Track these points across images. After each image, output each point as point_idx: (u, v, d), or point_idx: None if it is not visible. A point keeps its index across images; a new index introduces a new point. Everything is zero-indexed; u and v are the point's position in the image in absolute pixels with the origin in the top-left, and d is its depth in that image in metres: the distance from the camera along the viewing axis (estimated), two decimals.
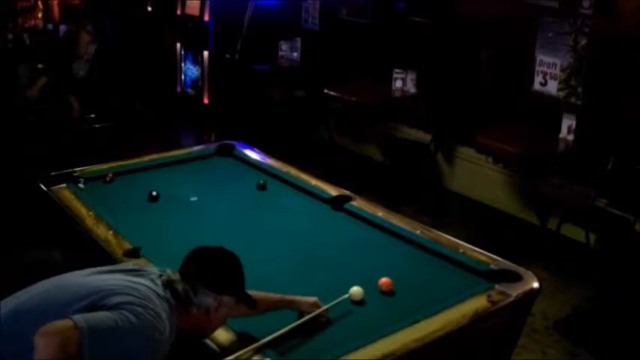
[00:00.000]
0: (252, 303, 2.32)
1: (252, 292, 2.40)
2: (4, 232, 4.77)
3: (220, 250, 2.31)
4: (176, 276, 2.23)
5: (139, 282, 2.13)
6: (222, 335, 2.36)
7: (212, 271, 2.26)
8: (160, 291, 2.14)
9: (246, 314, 2.41)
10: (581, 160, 4.98)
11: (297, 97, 7.53)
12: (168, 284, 2.18)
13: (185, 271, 2.24)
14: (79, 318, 1.90)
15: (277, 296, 2.52)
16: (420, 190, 6.17)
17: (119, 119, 7.34)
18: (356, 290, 2.69)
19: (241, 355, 2.24)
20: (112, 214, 3.32)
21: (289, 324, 2.42)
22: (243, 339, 2.35)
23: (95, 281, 2.11)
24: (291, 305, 2.52)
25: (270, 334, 2.34)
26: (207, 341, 2.33)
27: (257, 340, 2.32)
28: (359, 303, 2.68)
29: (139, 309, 2.00)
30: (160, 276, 2.20)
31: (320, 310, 2.50)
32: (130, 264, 2.55)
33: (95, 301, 2.00)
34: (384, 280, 2.79)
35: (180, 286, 2.19)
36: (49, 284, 2.13)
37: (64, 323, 1.88)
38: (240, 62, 7.41)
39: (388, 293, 2.77)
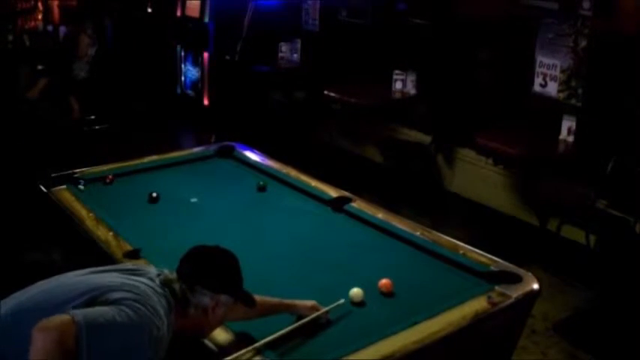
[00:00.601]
0: (250, 302, 2.32)
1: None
2: (4, 233, 4.77)
3: (217, 249, 2.31)
4: (173, 275, 2.23)
5: (137, 280, 2.14)
6: (222, 336, 2.37)
7: (209, 270, 2.26)
8: (158, 289, 2.14)
9: (245, 317, 2.41)
10: (582, 162, 4.98)
11: (297, 99, 7.53)
12: (165, 284, 2.18)
13: (182, 271, 2.24)
14: (77, 313, 1.90)
15: (275, 300, 2.52)
16: (419, 191, 6.16)
17: (119, 120, 7.34)
18: (356, 292, 2.69)
19: (240, 355, 2.24)
20: (112, 215, 3.32)
21: (288, 325, 2.42)
22: (242, 340, 2.35)
23: (94, 279, 2.12)
24: (289, 309, 2.52)
25: (269, 335, 2.34)
26: (207, 342, 2.33)
27: (256, 341, 2.32)
28: (359, 304, 2.68)
29: (138, 305, 2.01)
30: (158, 275, 2.21)
31: (318, 312, 2.50)
32: (128, 264, 2.56)
33: (94, 297, 2.01)
34: (383, 281, 2.79)
35: (177, 286, 2.19)
36: (48, 284, 2.14)
37: (62, 318, 1.89)
38: (240, 64, 7.41)
39: (388, 294, 2.77)
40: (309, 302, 2.53)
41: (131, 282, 2.11)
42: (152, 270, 2.26)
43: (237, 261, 2.31)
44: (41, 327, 1.86)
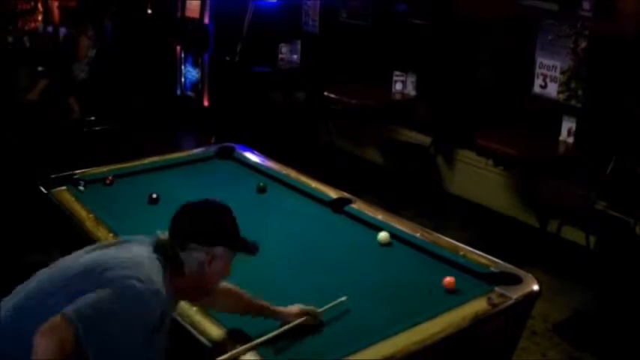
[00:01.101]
0: (249, 249, 2.29)
1: (237, 291, 2.42)
2: (4, 234, 4.77)
3: (205, 202, 2.29)
4: (165, 236, 2.21)
5: (128, 250, 2.13)
6: (218, 334, 2.37)
7: (197, 223, 2.23)
8: (152, 254, 2.14)
9: (232, 308, 2.41)
10: (582, 163, 4.98)
11: (297, 100, 7.53)
12: (158, 246, 2.17)
13: (173, 230, 2.22)
14: (70, 312, 1.91)
15: (264, 303, 2.49)
16: (420, 192, 6.16)
17: (119, 121, 7.34)
18: (383, 235, 3.16)
19: (238, 353, 2.23)
20: (112, 216, 3.32)
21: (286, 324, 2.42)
22: (239, 339, 2.35)
23: (84, 263, 2.11)
24: (274, 315, 2.48)
25: (266, 333, 2.34)
26: (204, 340, 2.34)
27: (253, 339, 2.32)
28: (387, 245, 3.14)
29: (131, 281, 2.00)
30: (152, 242, 2.20)
31: (300, 320, 2.44)
32: (122, 237, 2.47)
33: (87, 286, 2.00)
34: (448, 279, 2.80)
35: (169, 246, 2.17)
36: (46, 272, 2.15)
37: (56, 320, 1.89)
38: (240, 65, 7.42)
39: (452, 292, 2.78)
40: (294, 309, 2.48)
41: (121, 254, 2.10)
42: (146, 238, 2.25)
43: (228, 210, 2.29)
44: (40, 333, 1.86)
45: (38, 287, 2.08)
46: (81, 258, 2.16)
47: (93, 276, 2.03)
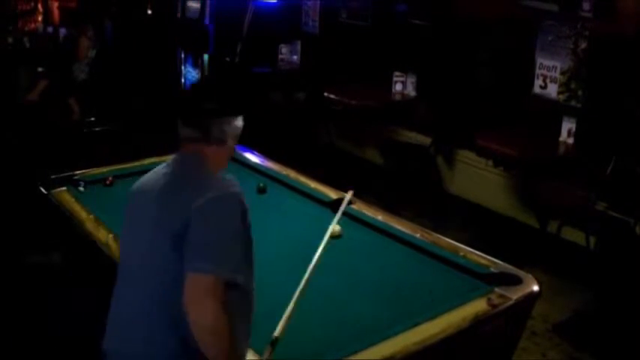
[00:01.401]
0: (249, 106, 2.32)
1: None
2: (4, 234, 4.77)
3: (201, 83, 2.30)
4: (188, 130, 2.29)
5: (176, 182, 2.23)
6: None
7: (228, 97, 2.23)
8: (182, 165, 2.30)
9: None
10: (582, 163, 4.98)
11: (297, 100, 7.53)
12: (186, 150, 2.30)
13: (203, 112, 2.27)
14: (199, 265, 1.87)
15: None
16: (420, 192, 6.16)
17: (119, 122, 7.34)
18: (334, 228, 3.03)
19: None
20: (112, 217, 3.32)
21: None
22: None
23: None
24: None
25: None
26: None
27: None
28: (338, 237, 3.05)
29: (215, 193, 2.08)
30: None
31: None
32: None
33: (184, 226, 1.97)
34: None
35: (207, 128, 2.23)
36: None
37: (195, 281, 1.85)
38: (240, 65, 7.42)
39: None
40: None
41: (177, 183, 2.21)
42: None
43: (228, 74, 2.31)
44: (191, 302, 1.83)
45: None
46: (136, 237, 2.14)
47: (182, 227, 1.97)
